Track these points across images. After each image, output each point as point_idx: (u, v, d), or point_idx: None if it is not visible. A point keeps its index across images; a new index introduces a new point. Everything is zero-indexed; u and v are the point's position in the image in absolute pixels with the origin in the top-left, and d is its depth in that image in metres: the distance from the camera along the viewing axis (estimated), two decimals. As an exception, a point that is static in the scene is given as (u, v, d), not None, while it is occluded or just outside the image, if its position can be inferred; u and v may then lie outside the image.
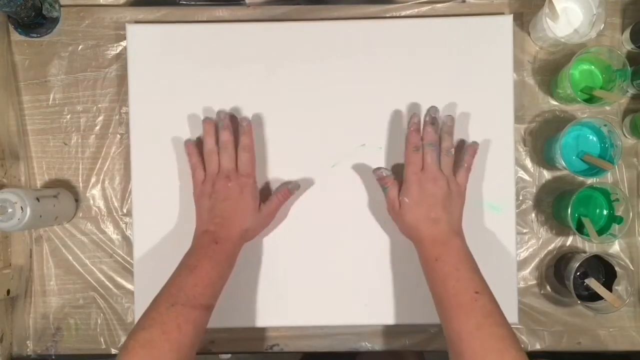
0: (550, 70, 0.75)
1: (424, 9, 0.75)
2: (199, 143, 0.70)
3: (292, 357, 0.85)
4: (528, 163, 0.75)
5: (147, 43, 0.73)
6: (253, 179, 0.68)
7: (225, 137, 0.68)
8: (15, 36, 0.76)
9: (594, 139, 0.72)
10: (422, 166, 0.65)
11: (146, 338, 0.56)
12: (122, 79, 0.75)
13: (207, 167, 0.68)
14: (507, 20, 0.72)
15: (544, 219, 0.75)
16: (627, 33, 0.74)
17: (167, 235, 0.72)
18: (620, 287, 0.70)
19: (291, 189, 0.69)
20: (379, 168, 0.68)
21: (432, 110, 0.68)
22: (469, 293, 0.59)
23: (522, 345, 0.74)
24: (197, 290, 0.60)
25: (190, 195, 0.71)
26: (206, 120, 0.70)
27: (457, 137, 0.72)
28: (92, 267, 0.75)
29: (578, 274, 0.72)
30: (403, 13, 0.75)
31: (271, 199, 0.68)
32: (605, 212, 0.73)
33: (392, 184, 0.67)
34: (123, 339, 0.75)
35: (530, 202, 0.75)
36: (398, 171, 0.71)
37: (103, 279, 0.75)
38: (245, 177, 0.67)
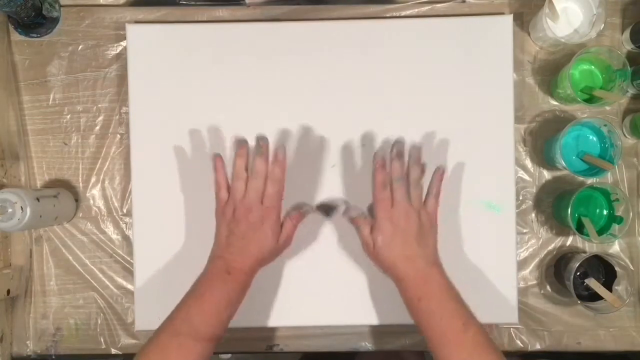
0: (550, 70, 0.75)
1: (424, 9, 0.75)
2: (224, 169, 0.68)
3: (292, 357, 0.85)
4: (528, 163, 0.75)
5: (147, 43, 0.73)
6: (277, 211, 0.65)
7: (259, 165, 0.65)
8: (15, 36, 0.76)
9: (594, 139, 0.72)
10: (391, 203, 0.63)
11: None
12: (122, 79, 0.75)
13: (232, 189, 0.66)
14: (507, 20, 0.72)
15: (544, 219, 0.75)
16: (627, 33, 0.74)
17: (167, 235, 0.72)
18: (620, 287, 0.70)
19: (304, 212, 0.68)
20: (347, 209, 0.68)
21: (398, 144, 0.68)
22: (457, 327, 0.59)
23: (522, 345, 0.74)
24: (203, 321, 0.60)
25: (190, 194, 0.72)
26: (241, 142, 0.68)
27: (457, 136, 0.72)
28: (92, 267, 0.75)
29: (578, 274, 0.72)
30: (403, 13, 0.75)
31: (285, 226, 0.66)
32: (605, 212, 0.73)
33: (363, 222, 0.65)
34: (123, 339, 0.75)
35: (530, 202, 0.75)
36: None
37: (103, 279, 0.75)
38: (269, 209, 0.64)
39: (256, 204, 0.64)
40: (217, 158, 0.68)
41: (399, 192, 0.64)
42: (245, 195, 0.64)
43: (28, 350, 0.75)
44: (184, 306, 0.61)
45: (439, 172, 0.68)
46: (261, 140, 0.67)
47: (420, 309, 0.61)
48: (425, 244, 0.63)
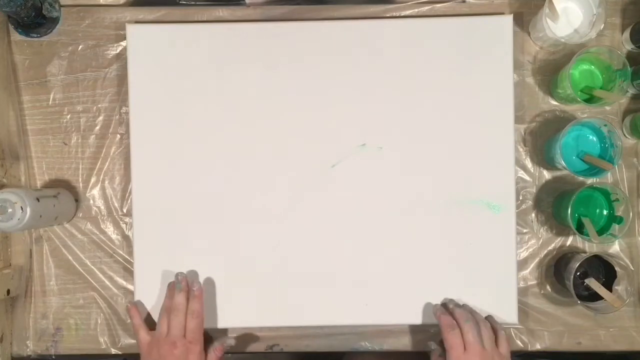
0: (550, 70, 0.75)
1: (424, 9, 0.75)
2: (139, 304, 0.71)
3: (292, 357, 0.85)
4: (528, 163, 0.75)
5: (147, 43, 0.73)
6: (200, 345, 0.66)
7: (179, 299, 0.67)
8: (15, 36, 0.76)
9: (594, 139, 0.72)
10: (464, 346, 0.63)
11: None
12: (122, 79, 0.75)
13: (158, 325, 0.67)
14: (507, 20, 0.72)
15: (544, 219, 0.75)
16: (627, 33, 0.74)
17: (167, 235, 0.72)
18: (620, 287, 0.70)
19: (227, 345, 0.69)
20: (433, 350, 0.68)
21: (450, 300, 0.70)
22: None
23: (522, 346, 0.74)
24: None
25: (190, 193, 0.71)
26: (170, 283, 0.69)
27: (457, 136, 0.72)
28: (92, 267, 0.75)
29: (578, 274, 0.72)
30: (403, 13, 0.75)
31: (209, 358, 0.68)
32: (605, 212, 0.73)
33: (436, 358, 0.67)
34: (123, 339, 0.75)
35: (530, 202, 0.75)
36: (400, 174, 0.71)
37: (103, 279, 0.75)
38: (192, 343, 0.65)
39: (180, 339, 0.65)
40: (131, 306, 0.70)
41: (470, 334, 0.63)
42: (169, 332, 0.66)
43: (28, 350, 0.75)
44: None
45: (495, 321, 0.68)
46: (179, 276, 0.69)
47: None
48: None
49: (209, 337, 0.71)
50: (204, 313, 0.68)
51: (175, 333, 0.66)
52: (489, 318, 0.68)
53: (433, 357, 0.68)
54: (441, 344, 0.66)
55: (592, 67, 0.73)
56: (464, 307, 0.70)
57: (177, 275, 0.70)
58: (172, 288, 0.69)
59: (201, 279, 0.72)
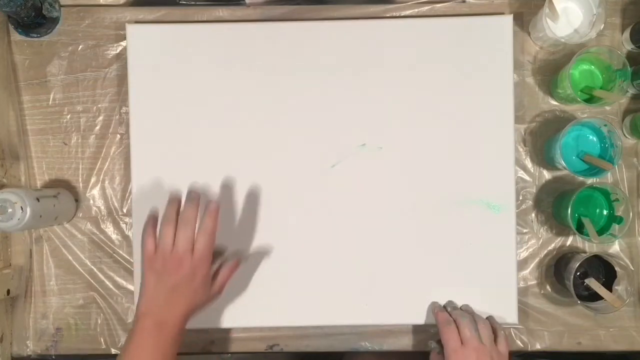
0: (550, 70, 0.75)
1: (424, 9, 0.75)
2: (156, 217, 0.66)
3: (292, 357, 0.85)
4: (528, 163, 0.75)
5: (147, 43, 0.73)
6: (208, 267, 0.62)
7: (188, 212, 0.62)
8: (15, 36, 0.76)
9: (594, 139, 0.72)
10: (460, 340, 0.63)
11: None
12: (122, 79, 0.75)
13: (160, 237, 0.62)
14: (507, 20, 0.72)
15: (544, 219, 0.75)
16: (627, 33, 0.74)
17: (167, 235, 0.72)
18: (620, 287, 0.70)
19: (238, 262, 0.67)
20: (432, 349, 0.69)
21: (449, 302, 0.70)
22: None
23: (522, 346, 0.74)
24: None
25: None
26: (172, 193, 0.66)
27: (457, 136, 0.72)
28: (92, 267, 0.75)
29: (578, 274, 0.72)
30: (403, 13, 0.75)
31: (218, 278, 0.65)
32: (605, 212, 0.73)
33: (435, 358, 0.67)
34: (123, 339, 0.75)
35: (530, 202, 0.75)
36: (400, 174, 0.71)
37: (103, 279, 0.75)
38: (201, 260, 0.61)
39: (187, 255, 0.60)
40: (150, 216, 0.65)
41: (466, 329, 0.64)
42: (175, 246, 0.61)
43: (28, 350, 0.75)
44: None
45: (496, 322, 0.68)
46: (192, 193, 0.64)
47: None
48: None
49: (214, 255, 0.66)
50: (216, 234, 0.63)
51: (182, 248, 0.60)
52: (489, 318, 0.69)
53: (432, 355, 0.68)
54: (440, 342, 0.66)
55: (592, 67, 0.73)
56: (463, 307, 0.70)
57: (189, 191, 0.65)
58: (174, 199, 0.64)
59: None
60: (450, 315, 0.67)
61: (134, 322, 0.61)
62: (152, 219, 0.65)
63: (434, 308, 0.69)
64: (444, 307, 0.70)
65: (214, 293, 0.65)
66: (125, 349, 0.60)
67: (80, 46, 0.76)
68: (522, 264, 0.75)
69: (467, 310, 0.69)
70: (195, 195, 0.64)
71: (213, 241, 0.63)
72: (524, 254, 0.75)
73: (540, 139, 0.75)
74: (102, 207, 0.76)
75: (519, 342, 0.74)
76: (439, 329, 0.66)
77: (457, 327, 0.64)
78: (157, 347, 0.59)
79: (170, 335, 0.60)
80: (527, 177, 0.75)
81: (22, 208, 0.65)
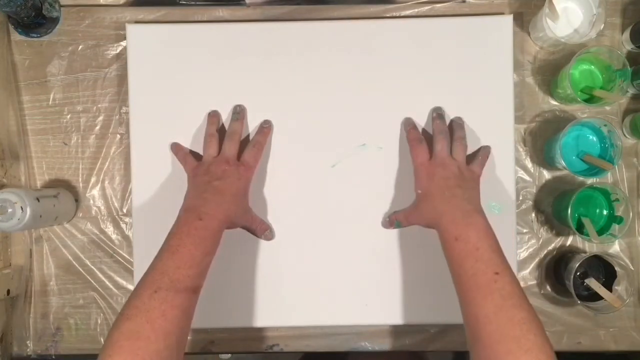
0: (550, 70, 0.75)
1: (424, 9, 0.75)
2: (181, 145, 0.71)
3: (292, 357, 0.85)
4: (528, 163, 0.75)
5: (147, 43, 0.73)
6: (252, 173, 0.66)
7: (234, 126, 0.67)
8: (15, 36, 0.76)
9: (594, 139, 0.72)
10: (429, 155, 0.64)
11: (130, 329, 0.53)
12: (122, 79, 0.75)
13: (205, 151, 0.66)
14: (507, 21, 0.72)
15: (544, 219, 0.75)
16: (627, 33, 0.74)
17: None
18: (620, 287, 0.70)
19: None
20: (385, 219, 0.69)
21: (438, 108, 0.69)
22: (488, 274, 0.56)
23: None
24: (181, 272, 0.57)
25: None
26: (212, 111, 0.69)
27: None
28: (92, 267, 0.75)
29: (578, 274, 0.72)
30: (403, 13, 0.75)
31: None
32: (605, 212, 0.73)
33: (396, 216, 0.68)
34: (123, 339, 0.75)
35: (530, 202, 0.75)
36: (400, 174, 0.71)
37: (103, 279, 0.75)
38: (245, 167, 0.65)
39: (233, 159, 0.65)
40: (173, 144, 0.69)
41: (440, 144, 0.64)
42: (220, 153, 0.65)
43: (28, 350, 0.75)
44: (159, 262, 0.58)
45: (488, 148, 0.69)
46: (238, 107, 0.68)
47: (454, 249, 0.59)
48: (466, 188, 0.62)
49: None
50: (264, 149, 0.68)
51: (229, 154, 0.65)
52: (482, 147, 0.69)
53: (397, 216, 0.68)
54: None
55: (592, 67, 0.73)
56: (454, 119, 0.69)
57: (235, 107, 0.69)
58: (214, 116, 0.68)
59: (201, 279, 0.72)
60: (434, 124, 0.66)
61: (176, 220, 0.63)
62: (182, 148, 0.69)
63: (406, 125, 0.68)
64: (434, 111, 0.69)
65: (251, 215, 0.67)
66: (166, 243, 0.60)
67: (80, 46, 0.76)
68: (522, 264, 0.75)
69: (454, 124, 0.68)
70: (241, 110, 0.68)
71: (260, 156, 0.67)
72: (524, 254, 0.75)
73: (540, 139, 0.75)
74: (102, 207, 0.76)
75: (519, 342, 0.74)
76: (409, 146, 0.65)
77: (427, 145, 0.65)
78: (197, 240, 0.60)
79: (209, 228, 0.61)
80: (527, 177, 0.75)
81: (22, 208, 0.65)
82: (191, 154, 0.69)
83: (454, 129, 0.68)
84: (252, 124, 0.72)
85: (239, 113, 0.68)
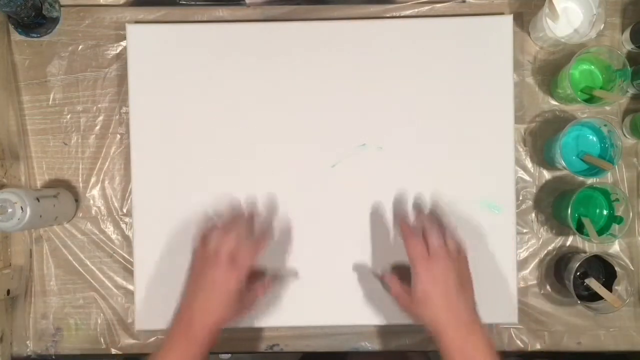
0: (550, 70, 0.75)
1: (424, 9, 0.75)
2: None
3: (292, 357, 0.85)
4: (528, 163, 0.75)
5: (147, 43, 0.73)
6: (246, 272, 0.63)
7: (240, 221, 0.66)
8: (15, 36, 0.76)
9: (594, 139, 0.72)
10: (426, 250, 0.62)
11: None
12: (122, 79, 0.75)
13: (208, 240, 0.65)
14: (507, 21, 0.72)
15: (544, 219, 0.75)
16: (627, 33, 0.74)
17: (167, 235, 0.72)
18: (620, 287, 0.70)
19: (272, 281, 0.69)
20: (382, 275, 0.67)
21: (416, 205, 0.69)
22: None
23: (522, 346, 0.74)
24: None
25: (190, 194, 0.71)
26: (233, 202, 0.69)
27: (457, 136, 0.72)
28: (92, 267, 0.75)
29: (578, 274, 0.72)
30: (403, 13, 0.75)
31: (250, 294, 0.65)
32: (605, 212, 0.73)
33: (390, 279, 0.65)
34: (123, 339, 0.75)
35: (530, 202, 0.75)
36: (400, 174, 0.71)
37: (103, 279, 0.75)
38: (237, 267, 0.62)
39: (226, 256, 0.62)
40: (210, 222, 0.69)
41: (435, 241, 0.62)
42: (217, 247, 0.63)
43: (28, 350, 0.75)
44: None
45: (450, 221, 0.69)
46: (250, 207, 0.69)
47: None
48: (466, 294, 0.61)
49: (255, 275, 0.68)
50: (264, 251, 0.66)
51: (225, 251, 0.63)
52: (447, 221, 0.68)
53: (391, 283, 0.65)
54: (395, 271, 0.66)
55: (592, 67, 0.73)
56: (430, 214, 0.68)
57: (250, 204, 0.68)
58: (233, 208, 0.67)
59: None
60: (417, 220, 0.65)
61: (172, 319, 0.64)
62: (207, 227, 0.68)
63: (400, 217, 0.67)
64: (414, 207, 0.68)
65: (245, 306, 0.65)
66: (161, 346, 0.62)
67: (80, 46, 0.76)
68: (522, 264, 0.75)
69: (432, 218, 0.67)
70: (251, 211, 0.68)
71: (254, 257, 0.65)
72: (524, 254, 0.75)
73: (540, 139, 0.75)
74: (102, 207, 0.76)
75: (518, 342, 0.74)
76: (403, 238, 0.64)
77: (425, 236, 0.63)
78: (186, 350, 0.61)
79: (198, 338, 0.61)
80: (527, 177, 0.75)
81: (22, 208, 0.65)
82: (204, 235, 0.67)
83: (439, 219, 0.67)
84: (253, 124, 0.72)
85: (249, 213, 0.67)
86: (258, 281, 0.67)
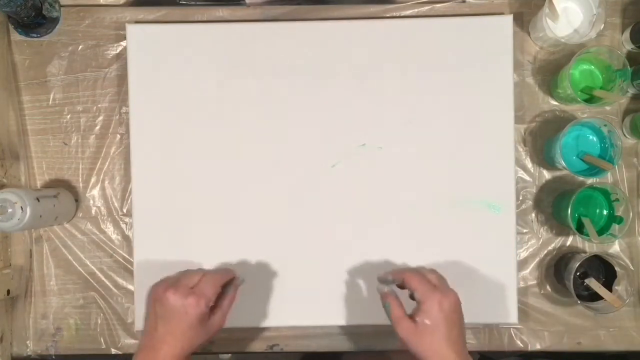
0: (550, 70, 0.75)
1: (424, 9, 0.75)
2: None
3: (292, 357, 0.85)
4: (528, 163, 0.75)
5: (147, 43, 0.73)
6: (205, 300, 0.61)
7: (203, 272, 0.64)
8: (15, 36, 0.76)
9: (594, 139, 0.72)
10: (431, 284, 0.61)
11: None
12: (122, 79, 0.75)
13: (167, 278, 0.65)
14: (507, 21, 0.72)
15: (544, 219, 0.75)
16: (627, 33, 0.74)
17: (167, 235, 0.72)
18: (620, 287, 0.70)
19: (237, 286, 0.67)
20: (379, 281, 0.65)
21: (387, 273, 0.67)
22: None
23: (522, 346, 0.74)
24: None
25: (190, 193, 0.72)
26: (227, 269, 0.68)
27: (457, 136, 0.72)
28: (92, 267, 0.75)
29: (578, 274, 0.72)
30: (403, 13, 0.75)
31: (217, 312, 0.64)
32: (605, 212, 0.73)
33: (393, 300, 0.63)
34: (123, 339, 0.75)
35: (530, 202, 0.75)
36: (400, 174, 0.71)
37: (103, 279, 0.75)
38: (195, 297, 0.61)
39: (183, 287, 0.61)
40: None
41: (434, 275, 0.62)
42: (178, 279, 0.63)
43: (28, 350, 0.75)
44: None
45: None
46: (239, 280, 0.67)
47: None
48: (462, 328, 0.62)
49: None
50: (232, 296, 0.65)
51: (182, 285, 0.61)
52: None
53: (393, 306, 0.62)
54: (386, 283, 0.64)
55: (592, 67, 0.73)
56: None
57: (236, 278, 0.67)
58: (224, 273, 0.66)
59: (201, 279, 0.71)
60: (404, 274, 0.63)
61: (137, 349, 0.62)
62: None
63: (397, 273, 0.64)
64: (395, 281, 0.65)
65: (214, 328, 0.64)
66: None
67: (80, 46, 0.76)
68: (522, 264, 0.75)
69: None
70: (235, 281, 0.67)
71: (218, 282, 0.63)
72: (524, 254, 0.75)
73: (540, 139, 0.75)
74: (102, 207, 0.76)
75: (519, 342, 0.74)
76: (405, 278, 0.62)
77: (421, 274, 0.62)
78: None
79: None
80: (527, 177, 0.75)
81: (22, 208, 0.65)
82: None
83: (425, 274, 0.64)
84: (253, 124, 0.72)
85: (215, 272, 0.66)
86: (222, 295, 0.65)
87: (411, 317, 0.61)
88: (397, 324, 0.62)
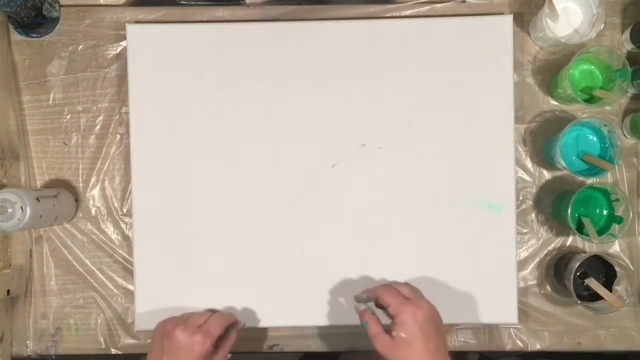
0: (550, 70, 0.75)
1: (424, 9, 0.75)
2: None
3: (292, 357, 0.85)
4: (528, 163, 0.75)
5: (147, 43, 0.73)
6: (211, 340, 0.62)
7: (209, 314, 0.65)
8: (15, 36, 0.76)
9: (594, 139, 0.72)
10: (403, 297, 0.62)
11: None
12: (122, 79, 0.75)
13: (181, 315, 0.66)
14: (507, 20, 0.72)
15: (544, 219, 0.75)
16: (627, 33, 0.74)
17: (167, 235, 0.72)
18: (620, 287, 0.70)
19: (238, 329, 0.68)
20: (356, 301, 0.65)
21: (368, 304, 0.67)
22: None
23: (522, 346, 0.74)
24: None
25: (190, 194, 0.72)
26: (229, 314, 0.69)
27: (457, 136, 0.72)
28: (92, 267, 0.75)
29: (578, 274, 0.72)
30: (403, 13, 0.75)
31: (220, 352, 0.64)
32: (605, 212, 0.73)
33: (370, 317, 0.63)
34: (123, 339, 0.75)
35: (530, 202, 0.75)
36: (400, 174, 0.71)
37: (103, 279, 0.75)
38: (203, 333, 0.62)
39: (191, 325, 0.62)
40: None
41: (407, 288, 0.63)
42: (186, 319, 0.64)
43: (28, 350, 0.75)
44: None
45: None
46: (242, 323, 0.69)
47: None
48: (440, 337, 0.61)
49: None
50: (234, 337, 0.66)
51: (190, 321, 0.63)
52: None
53: (370, 323, 0.63)
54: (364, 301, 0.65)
55: (592, 67, 0.73)
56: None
57: (239, 322, 0.69)
58: (226, 317, 0.67)
59: (201, 279, 0.72)
60: (377, 291, 0.64)
61: None
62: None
63: (372, 292, 0.64)
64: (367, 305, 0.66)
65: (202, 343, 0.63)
66: None
67: (80, 46, 0.76)
68: (522, 264, 0.75)
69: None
70: (236, 326, 0.67)
71: (224, 324, 0.65)
72: (524, 254, 0.75)
73: (540, 139, 0.75)
74: (102, 207, 0.76)
75: (519, 342, 0.74)
76: (378, 295, 0.62)
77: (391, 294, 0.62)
78: None
79: None
80: (527, 177, 0.75)
81: (22, 208, 0.65)
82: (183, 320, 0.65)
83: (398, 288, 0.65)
84: (252, 124, 0.72)
85: (233, 326, 0.67)
86: (224, 336, 0.66)
87: (388, 332, 0.61)
88: (375, 340, 0.62)
